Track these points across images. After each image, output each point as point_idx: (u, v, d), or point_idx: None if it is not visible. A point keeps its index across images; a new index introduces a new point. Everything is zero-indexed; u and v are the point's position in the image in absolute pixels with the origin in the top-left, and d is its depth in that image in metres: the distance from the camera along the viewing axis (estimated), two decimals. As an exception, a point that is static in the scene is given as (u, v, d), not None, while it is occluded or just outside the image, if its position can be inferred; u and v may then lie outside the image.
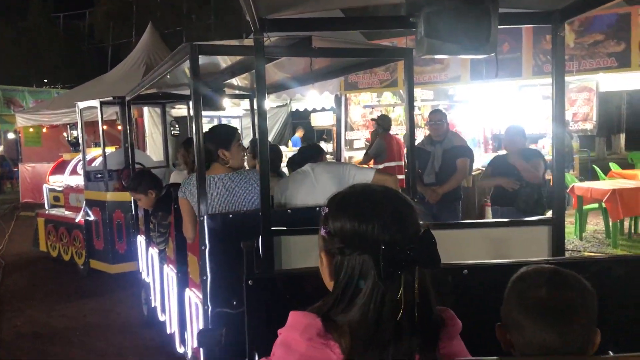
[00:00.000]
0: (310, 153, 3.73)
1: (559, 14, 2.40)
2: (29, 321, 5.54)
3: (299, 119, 15.30)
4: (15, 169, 18.00)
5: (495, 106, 9.95)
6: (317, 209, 3.17)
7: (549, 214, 5.37)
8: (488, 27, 2.18)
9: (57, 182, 8.45)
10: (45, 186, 8.69)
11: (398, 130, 11.87)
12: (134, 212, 5.77)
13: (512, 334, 1.33)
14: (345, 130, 10.70)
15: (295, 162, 3.89)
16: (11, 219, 12.32)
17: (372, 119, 9.05)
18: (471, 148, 6.20)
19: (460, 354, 1.26)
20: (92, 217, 6.94)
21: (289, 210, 3.29)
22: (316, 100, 12.09)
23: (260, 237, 2.55)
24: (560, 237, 2.56)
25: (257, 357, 1.81)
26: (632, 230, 8.02)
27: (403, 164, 7.92)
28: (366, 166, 7.94)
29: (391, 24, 2.67)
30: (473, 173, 7.09)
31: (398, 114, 12.03)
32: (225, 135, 3.30)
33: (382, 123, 8.00)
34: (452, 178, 5.47)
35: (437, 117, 5.69)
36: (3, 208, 14.32)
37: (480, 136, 10.33)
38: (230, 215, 3.13)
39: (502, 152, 6.57)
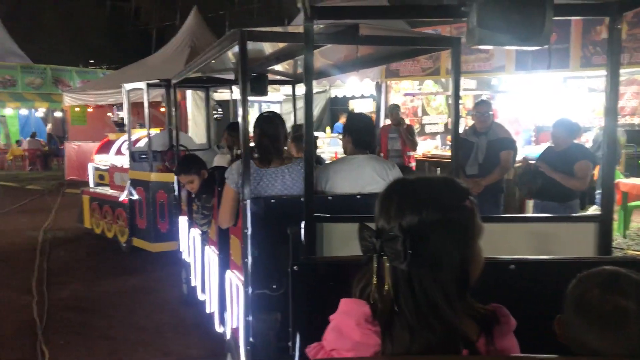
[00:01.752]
0: (369, 136, 3.61)
1: (618, 5, 2.32)
2: (73, 295, 5.74)
3: (338, 105, 15.29)
4: (62, 147, 18.61)
5: (540, 98, 9.73)
6: (358, 196, 3.21)
7: (591, 210, 5.29)
8: (542, 18, 2.13)
9: (103, 161, 8.68)
10: (90, 165, 8.94)
11: (438, 119, 11.79)
12: (176, 193, 5.89)
13: (565, 328, 1.33)
14: (385, 117, 10.65)
15: (356, 134, 3.48)
16: (57, 195, 12.74)
17: (390, 112, 8.98)
18: (515, 140, 6.11)
19: (513, 350, 1.26)
20: (135, 197, 7.11)
21: (329, 197, 3.31)
22: (356, 87, 12.06)
23: (303, 223, 2.58)
24: (608, 235, 2.51)
25: (299, 339, 1.85)
26: (679, 230, 7.78)
27: None
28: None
29: (442, 13, 2.63)
30: (515, 165, 7.00)
31: (439, 103, 11.91)
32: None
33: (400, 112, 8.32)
34: (496, 170, 5.40)
35: (483, 109, 5.60)
36: (50, 184, 14.81)
37: (523, 128, 10.16)
38: (273, 200, 3.18)
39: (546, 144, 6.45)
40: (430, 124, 11.67)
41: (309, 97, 2.44)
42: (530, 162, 5.36)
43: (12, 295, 5.68)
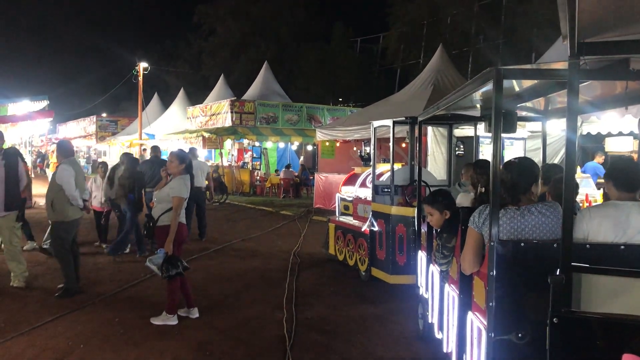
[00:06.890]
0: (636, 178, 3.17)
1: None
2: (318, 316, 6.15)
3: (590, 142, 13.98)
4: (311, 178, 20.49)
5: None
6: (622, 247, 2.88)
7: None
8: None
9: (348, 192, 9.24)
10: (337, 195, 9.59)
11: None
12: (416, 228, 5.98)
13: None
14: (651, 158, 9.40)
15: (618, 177, 3.18)
16: (305, 222, 13.95)
17: None
18: None
19: None
20: (376, 228, 7.42)
21: (587, 245, 3.04)
22: (613, 123, 10.88)
23: (559, 272, 2.41)
24: None
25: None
26: None
27: None
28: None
29: None
30: None
31: None
32: (536, 170, 3.37)
33: None
34: None
35: None
36: (299, 211, 16.29)
37: None
38: (522, 244, 3.03)
39: None
40: None
41: (571, 139, 2.30)
42: None
43: (267, 310, 6.33)
